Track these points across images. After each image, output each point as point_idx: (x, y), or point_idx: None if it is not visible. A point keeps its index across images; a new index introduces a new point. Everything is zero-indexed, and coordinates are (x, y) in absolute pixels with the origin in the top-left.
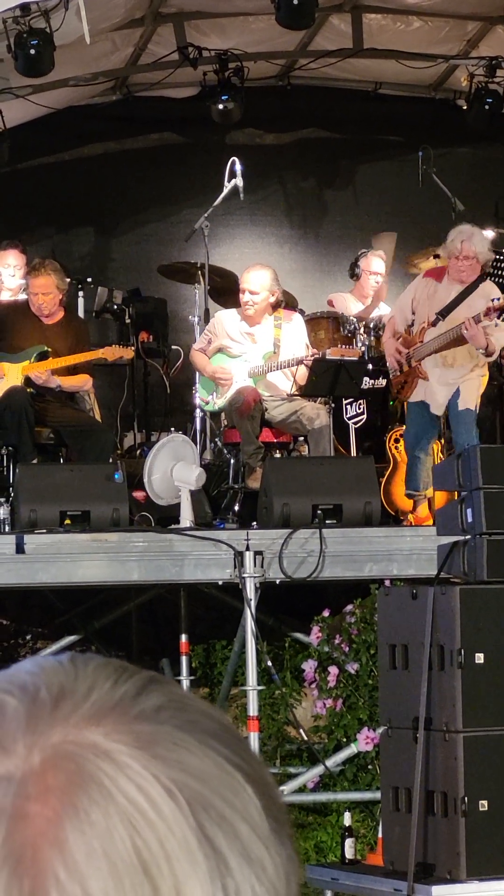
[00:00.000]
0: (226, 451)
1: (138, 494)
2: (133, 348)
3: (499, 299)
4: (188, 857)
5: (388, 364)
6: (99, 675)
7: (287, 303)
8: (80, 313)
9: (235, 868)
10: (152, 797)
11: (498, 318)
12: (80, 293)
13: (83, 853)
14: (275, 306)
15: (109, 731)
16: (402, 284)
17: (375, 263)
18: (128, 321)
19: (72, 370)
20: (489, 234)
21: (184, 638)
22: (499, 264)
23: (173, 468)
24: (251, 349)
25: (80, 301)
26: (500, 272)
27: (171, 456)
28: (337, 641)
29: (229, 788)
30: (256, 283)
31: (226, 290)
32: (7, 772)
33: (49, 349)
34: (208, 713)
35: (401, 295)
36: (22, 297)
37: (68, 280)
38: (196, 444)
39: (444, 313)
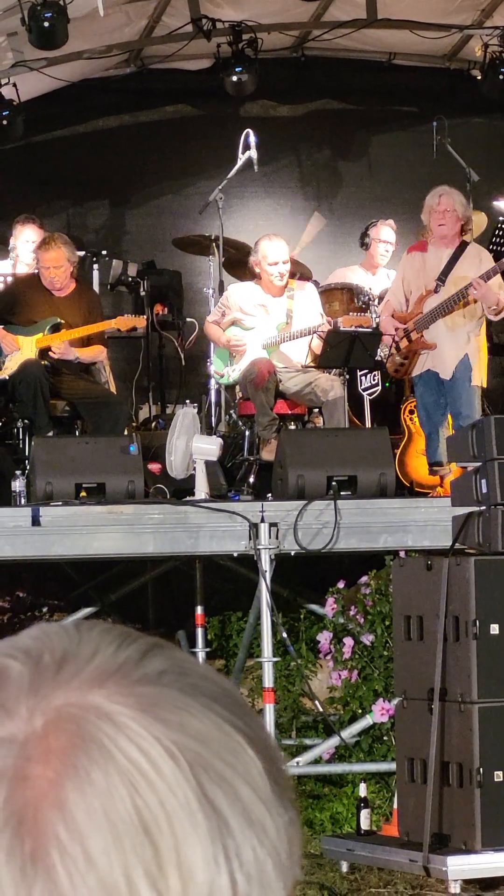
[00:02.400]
0: (240, 423)
1: (153, 467)
2: (145, 317)
3: None
4: (189, 817)
5: (384, 342)
6: (102, 640)
7: (301, 274)
8: (95, 286)
9: (236, 829)
10: (153, 758)
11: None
12: (95, 266)
13: (84, 813)
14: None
15: (111, 693)
16: None
17: (385, 232)
18: (143, 294)
19: (85, 342)
20: (503, 204)
21: (199, 610)
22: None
23: (191, 440)
24: (264, 321)
25: (95, 274)
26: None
27: (185, 431)
28: (352, 613)
29: (230, 751)
30: (285, 251)
31: (240, 261)
32: (10, 734)
33: (62, 321)
34: (210, 678)
35: (393, 280)
36: (36, 270)
37: (83, 253)
38: (211, 417)
39: (442, 279)
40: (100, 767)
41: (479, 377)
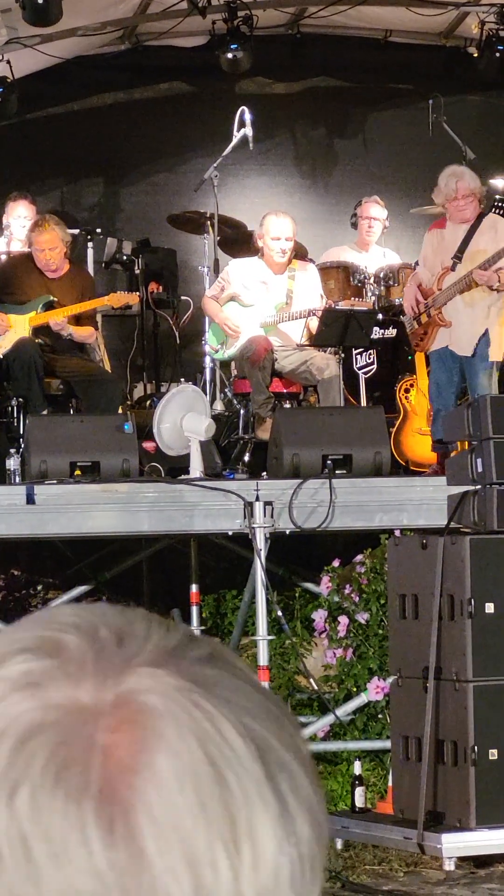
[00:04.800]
0: (235, 402)
1: (148, 445)
2: (138, 294)
3: None
4: (261, 797)
5: (405, 310)
6: (151, 622)
7: (297, 252)
8: (90, 264)
9: (294, 809)
10: (226, 736)
11: None
12: (90, 244)
13: (173, 779)
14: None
15: (176, 671)
16: (413, 233)
17: (370, 209)
18: (137, 272)
19: (77, 322)
20: (499, 182)
21: (194, 588)
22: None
23: (183, 419)
24: (263, 298)
25: (90, 252)
26: None
27: (181, 406)
28: (347, 591)
29: (284, 733)
30: (290, 228)
31: (235, 239)
32: (81, 704)
33: (55, 299)
34: (245, 666)
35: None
36: (28, 249)
37: (77, 231)
38: (206, 395)
39: (459, 256)
40: (183, 737)
41: (500, 352)
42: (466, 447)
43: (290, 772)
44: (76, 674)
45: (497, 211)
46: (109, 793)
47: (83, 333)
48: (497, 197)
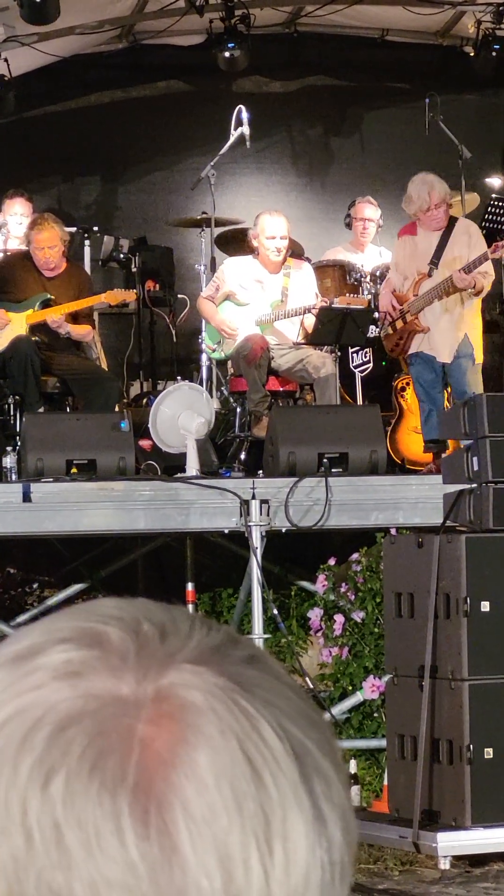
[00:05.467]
0: (232, 400)
1: (144, 443)
2: (135, 292)
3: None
4: (296, 799)
5: (378, 317)
6: (194, 620)
7: (293, 251)
8: (87, 262)
9: (327, 813)
10: (265, 736)
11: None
12: (87, 242)
13: (210, 775)
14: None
15: (217, 670)
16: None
17: (364, 210)
18: (134, 270)
19: (74, 320)
20: (496, 181)
21: (190, 586)
22: (498, 210)
23: (179, 416)
24: (259, 297)
25: (87, 250)
26: (498, 218)
27: (178, 404)
28: (343, 590)
29: (321, 737)
30: (284, 227)
31: (232, 238)
32: (123, 696)
33: (52, 297)
34: (284, 669)
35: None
36: (25, 247)
37: (74, 229)
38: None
39: (435, 262)
40: (222, 734)
41: (480, 354)
42: (460, 446)
43: (325, 776)
44: (118, 666)
45: (492, 210)
46: (146, 785)
47: (80, 331)
48: (493, 196)
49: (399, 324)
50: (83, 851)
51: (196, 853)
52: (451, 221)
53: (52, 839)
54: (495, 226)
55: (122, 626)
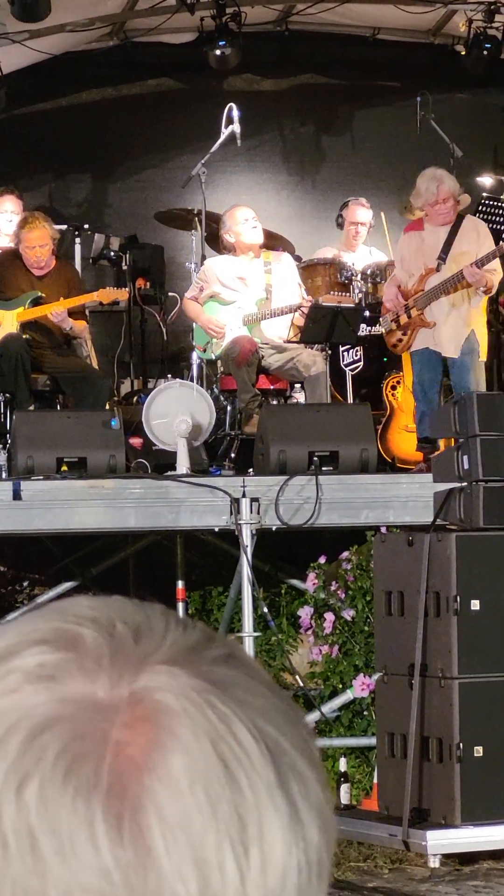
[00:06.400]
0: (222, 398)
1: (135, 441)
2: (127, 290)
3: None
4: (271, 800)
5: (382, 311)
6: (169, 619)
7: (283, 248)
8: (77, 260)
9: (304, 813)
10: (240, 738)
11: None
12: (77, 240)
13: (185, 778)
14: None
15: (192, 671)
16: (400, 231)
17: (355, 213)
18: (125, 268)
19: (69, 316)
20: (487, 180)
21: (180, 584)
22: (495, 209)
23: (172, 415)
24: (243, 295)
25: (77, 248)
26: (496, 217)
27: (174, 402)
28: (333, 588)
29: (297, 736)
30: (251, 213)
31: (220, 238)
32: (96, 699)
33: (43, 295)
34: (261, 667)
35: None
36: (14, 245)
37: (65, 226)
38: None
39: (443, 257)
40: (196, 737)
41: (484, 352)
42: (452, 443)
43: (301, 776)
44: (92, 668)
45: (484, 209)
46: (120, 790)
47: (79, 327)
48: (484, 195)
49: (403, 319)
50: (58, 858)
51: (171, 858)
52: (459, 217)
53: (27, 846)
54: (487, 225)
55: (96, 626)
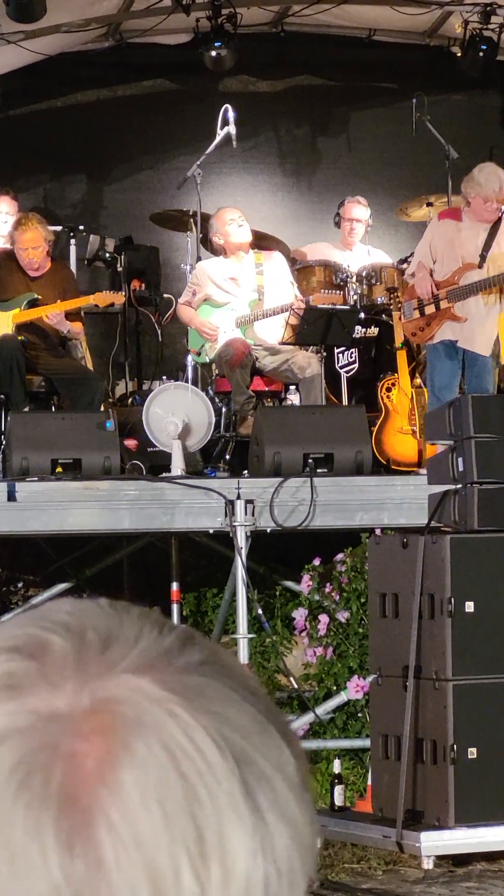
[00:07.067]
0: (217, 400)
1: (129, 443)
2: (123, 293)
3: None
4: (234, 809)
5: (419, 294)
6: (144, 624)
7: (279, 250)
8: (72, 261)
9: (272, 823)
10: (202, 748)
11: None
12: (72, 241)
13: (137, 793)
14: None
15: (158, 679)
16: (396, 232)
17: (353, 210)
18: (120, 269)
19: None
20: None
21: (175, 586)
22: None
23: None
24: (236, 296)
25: (73, 249)
26: None
27: (171, 403)
28: (327, 590)
29: (268, 745)
30: (237, 212)
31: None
32: (56, 709)
33: (39, 297)
34: (243, 671)
35: (420, 243)
36: (9, 247)
37: (60, 228)
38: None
39: (484, 254)
40: (152, 750)
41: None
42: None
43: (271, 784)
44: (55, 678)
45: None
46: (71, 805)
47: (77, 329)
48: None
49: (430, 309)
50: (8, 874)
51: (123, 873)
52: (499, 220)
53: None
54: None
55: (67, 634)
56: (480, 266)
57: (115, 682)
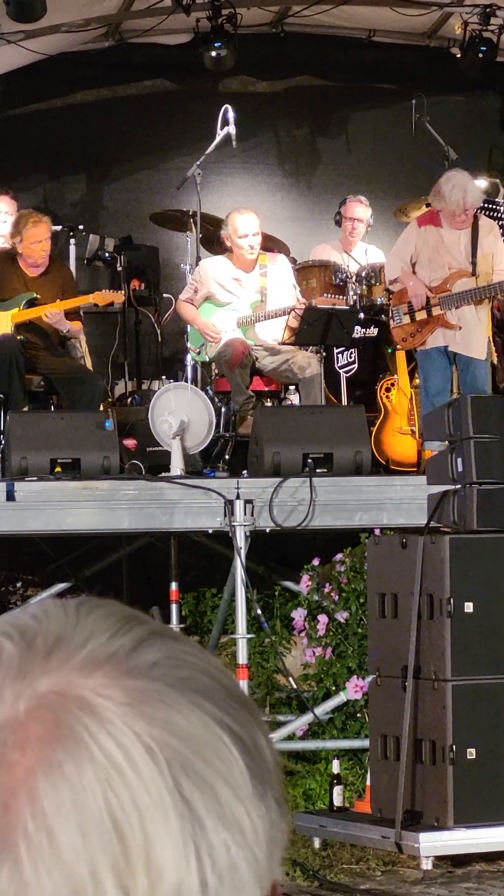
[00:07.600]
0: (216, 400)
1: (129, 442)
2: (123, 293)
3: None
4: (161, 816)
5: (394, 303)
6: (98, 626)
7: (278, 251)
8: (72, 261)
9: (211, 830)
10: (131, 755)
11: None
12: (72, 241)
13: (53, 806)
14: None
15: (98, 684)
16: (395, 233)
17: (354, 210)
18: (119, 269)
19: (64, 317)
20: (482, 182)
21: (174, 586)
22: (491, 212)
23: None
24: (239, 296)
25: (72, 249)
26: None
27: (174, 402)
28: (327, 590)
29: (213, 750)
30: (255, 224)
31: (218, 238)
32: None
33: (38, 296)
34: (207, 670)
35: (396, 246)
36: (7, 246)
37: (59, 227)
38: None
39: (473, 260)
40: (74, 761)
41: (494, 356)
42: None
43: (211, 789)
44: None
45: (479, 212)
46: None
47: (76, 328)
48: (490, 205)
49: (421, 315)
50: None
51: (43, 889)
52: (475, 219)
53: None
54: None
55: (20, 638)
56: (473, 273)
57: (49, 689)
